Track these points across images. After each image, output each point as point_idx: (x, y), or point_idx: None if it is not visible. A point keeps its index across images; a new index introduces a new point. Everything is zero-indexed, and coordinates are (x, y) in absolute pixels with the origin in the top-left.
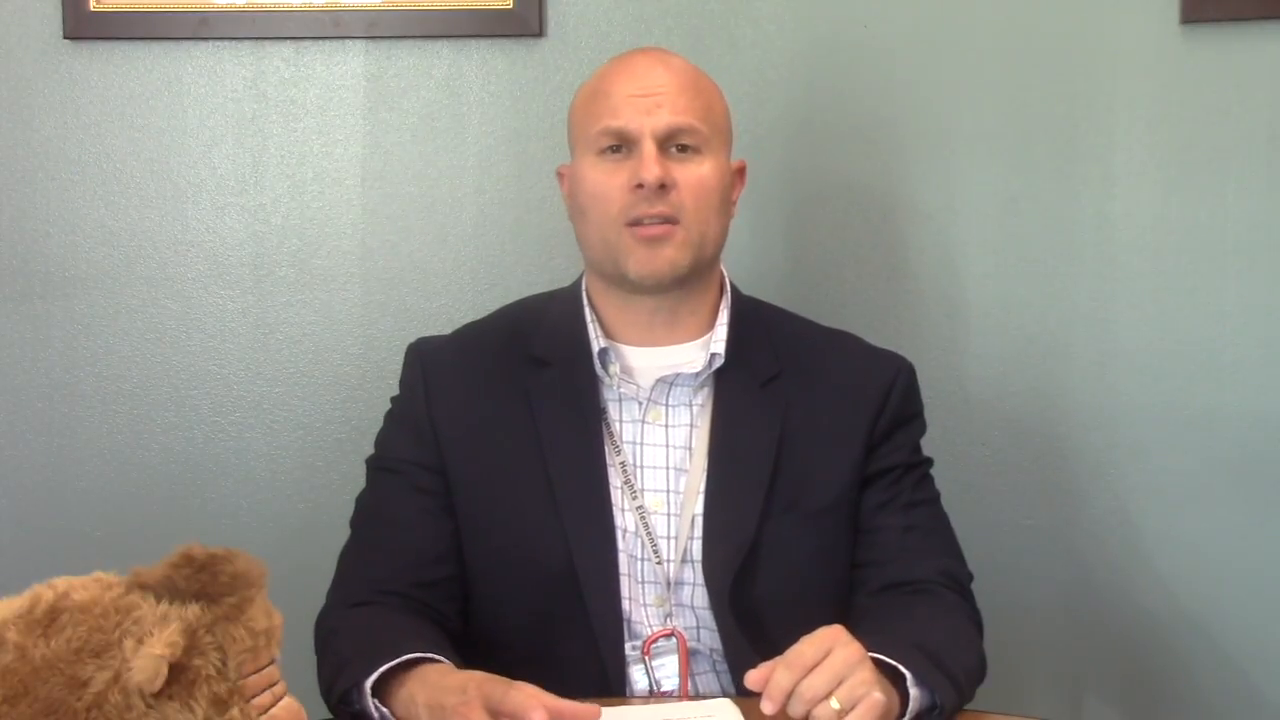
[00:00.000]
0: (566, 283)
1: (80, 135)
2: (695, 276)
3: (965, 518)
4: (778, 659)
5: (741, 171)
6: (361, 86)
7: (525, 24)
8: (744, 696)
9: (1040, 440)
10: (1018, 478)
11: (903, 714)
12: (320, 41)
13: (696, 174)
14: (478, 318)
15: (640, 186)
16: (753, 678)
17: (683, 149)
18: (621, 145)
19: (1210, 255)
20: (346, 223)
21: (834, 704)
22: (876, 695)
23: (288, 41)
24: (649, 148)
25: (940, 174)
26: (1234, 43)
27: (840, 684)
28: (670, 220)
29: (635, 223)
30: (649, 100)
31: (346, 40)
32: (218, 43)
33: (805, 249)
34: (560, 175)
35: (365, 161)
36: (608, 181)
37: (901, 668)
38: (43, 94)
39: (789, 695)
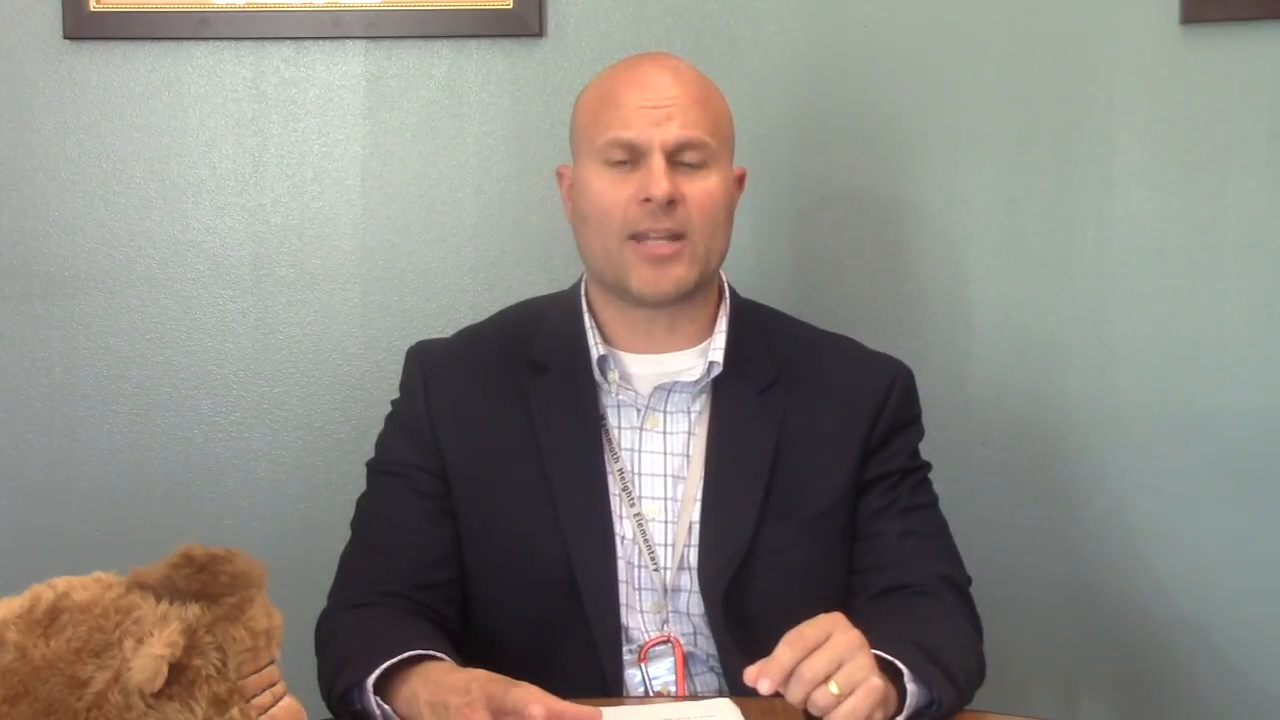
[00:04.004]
0: (566, 283)
1: (80, 135)
2: (698, 289)
3: (965, 517)
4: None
5: (741, 179)
6: (361, 86)
7: (525, 24)
8: (742, 697)
9: (1040, 440)
10: (1018, 477)
11: (900, 710)
12: (320, 41)
13: (704, 188)
14: (477, 318)
15: (647, 200)
16: (752, 673)
17: (691, 162)
18: (629, 157)
19: (1210, 255)
20: (346, 223)
21: (833, 688)
22: (875, 680)
23: (288, 41)
24: (658, 162)
25: (941, 174)
26: (1234, 43)
27: (839, 668)
28: (678, 236)
29: (638, 236)
30: (659, 112)
31: (346, 40)
32: (218, 43)
33: (806, 250)
34: (560, 175)
35: (365, 161)
36: (613, 193)
37: (898, 663)
38: (43, 94)
39: (789, 675)
